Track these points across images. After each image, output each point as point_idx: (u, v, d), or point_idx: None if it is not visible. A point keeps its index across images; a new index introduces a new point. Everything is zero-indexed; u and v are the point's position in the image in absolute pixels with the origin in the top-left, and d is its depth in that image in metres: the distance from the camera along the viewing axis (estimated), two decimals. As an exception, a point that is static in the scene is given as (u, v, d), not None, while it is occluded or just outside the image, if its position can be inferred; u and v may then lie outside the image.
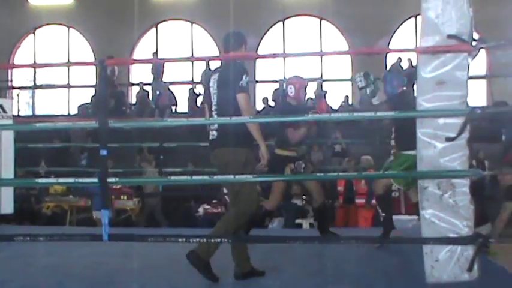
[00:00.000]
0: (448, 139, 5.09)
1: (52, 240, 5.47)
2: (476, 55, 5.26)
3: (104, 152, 4.99)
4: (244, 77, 5.67)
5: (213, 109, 5.85)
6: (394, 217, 10.45)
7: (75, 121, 15.95)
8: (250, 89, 16.32)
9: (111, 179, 5.17)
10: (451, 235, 5.10)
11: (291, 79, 8.31)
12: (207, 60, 21.97)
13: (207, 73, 6.00)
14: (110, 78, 19.53)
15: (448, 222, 5.12)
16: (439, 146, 5.16)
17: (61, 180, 5.40)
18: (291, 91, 8.06)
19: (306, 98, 19.94)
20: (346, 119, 7.44)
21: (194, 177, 5.97)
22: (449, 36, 5.12)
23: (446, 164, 5.14)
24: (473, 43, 5.14)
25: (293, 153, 7.93)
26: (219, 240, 5.52)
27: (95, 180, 5.18)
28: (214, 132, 5.80)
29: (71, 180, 5.88)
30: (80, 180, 5.50)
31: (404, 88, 7.80)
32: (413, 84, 7.88)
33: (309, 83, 8.46)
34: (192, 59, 29.05)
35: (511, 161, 16.05)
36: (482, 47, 5.14)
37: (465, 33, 5.13)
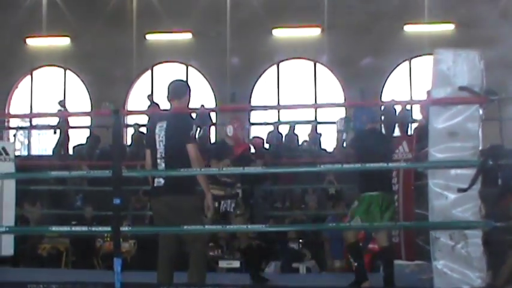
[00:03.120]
0: (460, 190, 5.13)
1: (65, 287, 5.45)
2: (486, 106, 5.33)
3: (117, 201, 4.99)
4: (194, 127, 5.84)
5: (158, 156, 5.87)
6: (395, 262, 10.44)
7: (70, 162, 15.93)
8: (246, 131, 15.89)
9: (124, 228, 5.17)
10: (464, 286, 5.11)
11: (231, 120, 8.64)
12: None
13: (151, 118, 6.10)
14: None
15: (460, 273, 5.13)
16: (451, 196, 5.19)
17: (75, 228, 5.40)
18: (229, 131, 8.33)
19: (300, 140, 20.14)
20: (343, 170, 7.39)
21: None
22: (461, 88, 5.18)
23: (458, 214, 5.17)
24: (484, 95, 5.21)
25: (221, 192, 8.04)
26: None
27: (108, 228, 5.17)
28: (161, 180, 5.83)
29: (84, 228, 5.92)
30: (94, 229, 5.50)
31: (373, 124, 7.83)
32: (407, 128, 7.92)
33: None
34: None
35: (507, 205, 16.08)
36: (493, 99, 5.19)
37: (476, 85, 5.19)
